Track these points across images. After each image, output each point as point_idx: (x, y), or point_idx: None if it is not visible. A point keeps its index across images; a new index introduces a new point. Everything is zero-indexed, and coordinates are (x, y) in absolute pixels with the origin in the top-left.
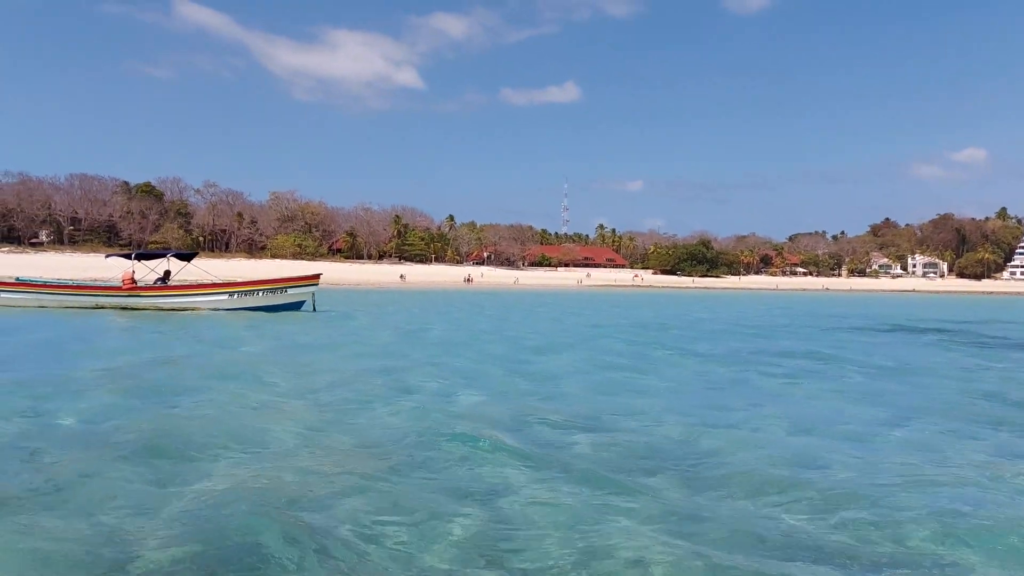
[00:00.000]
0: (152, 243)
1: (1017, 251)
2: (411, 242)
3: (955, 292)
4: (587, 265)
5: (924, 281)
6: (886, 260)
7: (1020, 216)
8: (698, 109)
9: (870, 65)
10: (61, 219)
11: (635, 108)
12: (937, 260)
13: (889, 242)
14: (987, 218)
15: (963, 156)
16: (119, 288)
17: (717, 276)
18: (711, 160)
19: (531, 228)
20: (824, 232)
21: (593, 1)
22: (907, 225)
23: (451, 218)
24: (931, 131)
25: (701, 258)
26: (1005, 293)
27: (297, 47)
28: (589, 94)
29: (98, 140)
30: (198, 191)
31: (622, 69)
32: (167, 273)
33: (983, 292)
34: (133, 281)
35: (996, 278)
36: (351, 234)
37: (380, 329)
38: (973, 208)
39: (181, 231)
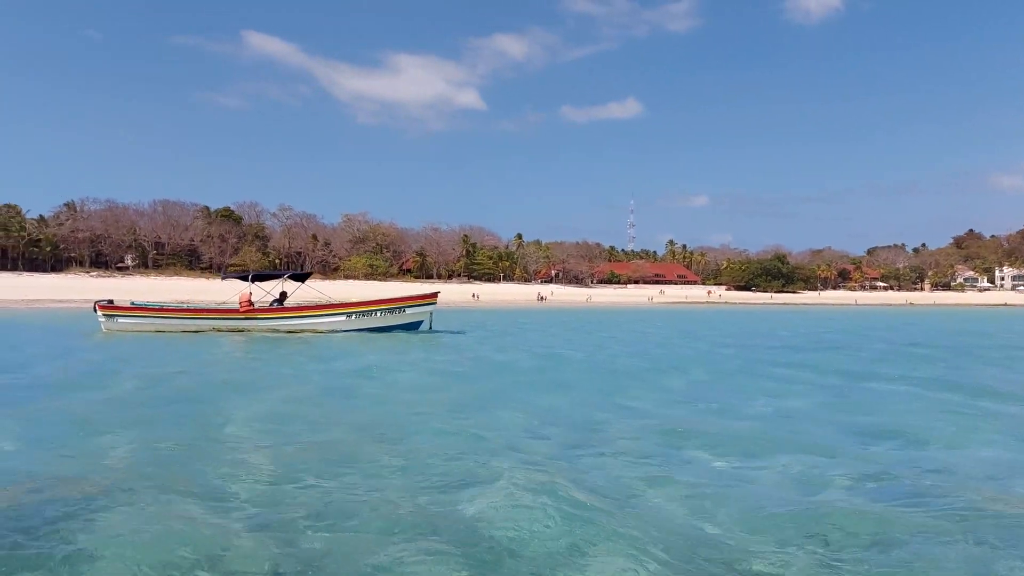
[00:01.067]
0: (231, 266)
1: None
2: (479, 261)
3: None
4: (657, 282)
5: (1014, 294)
6: (971, 273)
7: None
8: (762, 123)
9: (940, 75)
10: (146, 244)
11: (697, 123)
12: None
13: (974, 254)
14: None
15: None
16: (236, 311)
17: (793, 291)
18: (777, 174)
19: (599, 245)
20: (903, 245)
21: (652, 17)
22: (992, 236)
23: (519, 236)
24: (1009, 141)
25: (776, 273)
26: None
27: (360, 72)
28: (650, 110)
29: (175, 167)
30: (274, 215)
31: (683, 84)
32: (283, 295)
33: None
34: (250, 303)
35: None
36: (420, 254)
37: (514, 351)
38: None
39: (259, 254)
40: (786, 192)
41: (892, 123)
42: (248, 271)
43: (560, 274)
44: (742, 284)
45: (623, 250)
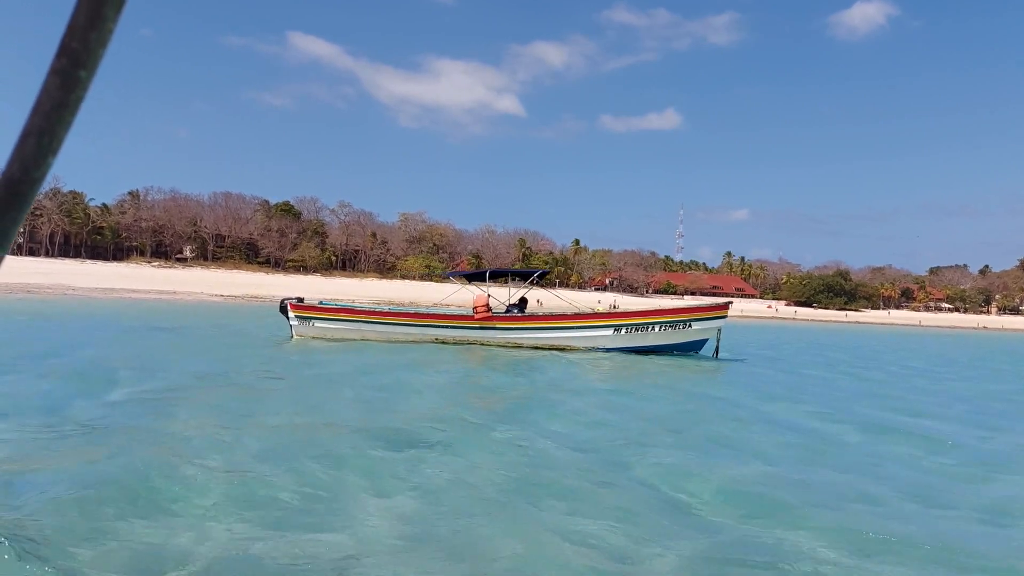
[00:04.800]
0: (290, 261)
1: None
2: (535, 266)
3: None
4: (715, 294)
5: None
6: None
7: None
8: (804, 139)
9: (986, 94)
10: (206, 235)
11: (738, 137)
12: None
13: None
14: None
15: None
16: (468, 318)
17: (855, 309)
18: (820, 191)
19: (654, 254)
20: (966, 266)
21: (694, 30)
22: None
23: (576, 242)
24: None
25: (839, 290)
26: None
27: (402, 76)
28: (690, 121)
29: (231, 163)
30: (332, 211)
31: (724, 97)
32: (523, 300)
33: None
34: (488, 309)
35: None
36: (476, 256)
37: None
38: None
39: (317, 250)
40: (829, 209)
41: (939, 143)
42: (480, 269)
43: (614, 283)
44: (802, 300)
45: (673, 260)
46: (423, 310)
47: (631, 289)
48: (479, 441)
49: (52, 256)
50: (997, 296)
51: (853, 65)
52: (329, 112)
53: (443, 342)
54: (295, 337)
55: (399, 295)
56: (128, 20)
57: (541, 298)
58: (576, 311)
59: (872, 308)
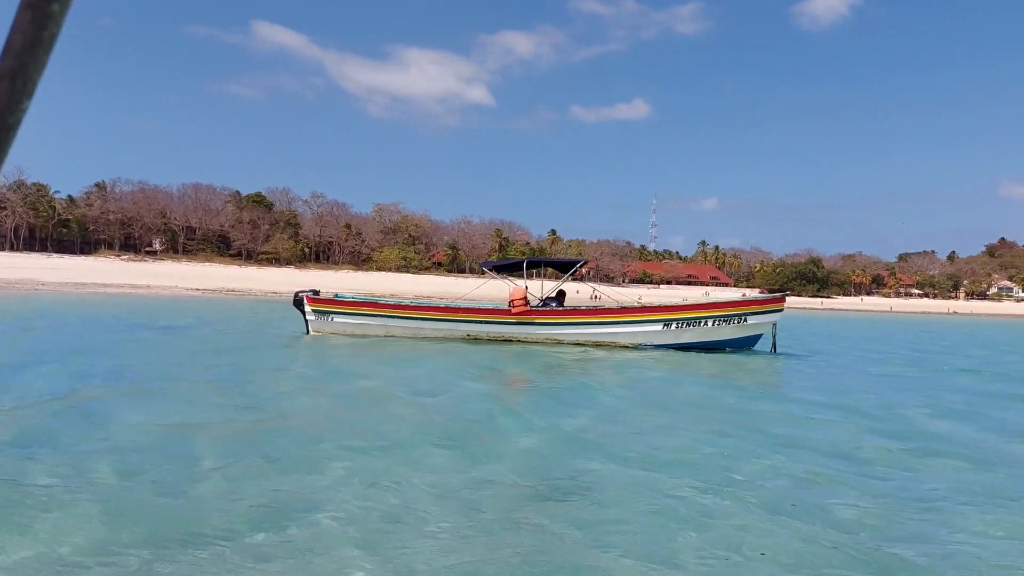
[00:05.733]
0: (262, 253)
1: None
2: (512, 256)
3: None
4: (690, 283)
5: None
6: (1006, 282)
7: None
8: (773, 128)
9: (954, 80)
10: (176, 228)
11: (707, 126)
12: None
13: (1008, 263)
14: None
15: None
16: (504, 312)
17: (828, 296)
18: (791, 179)
19: (629, 244)
20: (933, 252)
21: (661, 19)
22: None
23: (553, 232)
24: (1019, 149)
25: (811, 277)
26: None
27: (370, 65)
28: (659, 111)
29: (200, 154)
30: (305, 201)
31: (692, 87)
32: (561, 293)
33: None
34: (526, 302)
35: None
36: (452, 247)
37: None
38: None
39: (291, 241)
40: (798, 197)
41: (903, 131)
42: (512, 259)
43: (592, 272)
44: (775, 288)
45: (647, 249)
46: (454, 304)
47: (607, 279)
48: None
49: (17, 250)
50: (965, 282)
51: (818, 54)
52: (298, 102)
53: (476, 339)
54: (311, 333)
55: (378, 287)
56: (87, 9)
57: (579, 291)
58: (629, 305)
59: (844, 295)
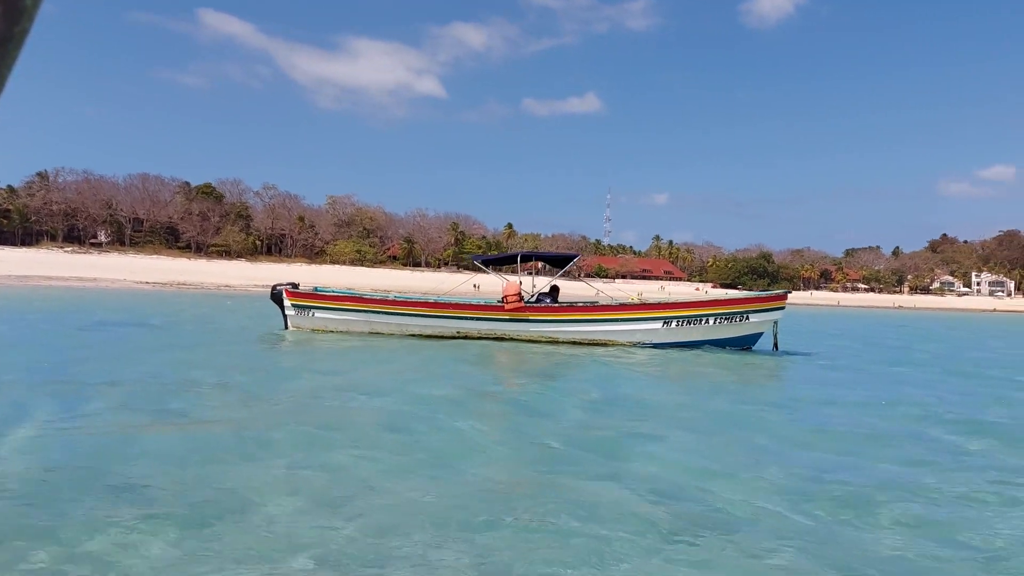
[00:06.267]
0: (213, 246)
1: None
2: (468, 250)
3: None
4: (645, 277)
5: (993, 300)
6: (948, 277)
7: None
8: (723, 124)
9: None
10: (123, 219)
11: (658, 121)
12: (1004, 278)
13: (950, 259)
14: None
15: (991, 173)
16: (498, 308)
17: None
18: (740, 175)
19: (584, 239)
20: (879, 247)
21: (611, 14)
22: (966, 241)
23: (509, 226)
24: (956, 149)
25: (762, 272)
26: None
27: (319, 56)
28: (610, 106)
29: (146, 144)
30: (257, 193)
31: (643, 82)
32: (555, 289)
33: None
34: (520, 298)
35: None
36: (408, 240)
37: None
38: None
39: (242, 234)
40: (747, 193)
41: (848, 128)
42: (505, 252)
43: (546, 267)
44: (728, 282)
45: (601, 243)
46: (443, 299)
47: (565, 273)
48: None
49: None
50: (909, 276)
51: (765, 53)
52: (246, 92)
53: (466, 336)
54: (291, 328)
55: (334, 280)
56: None
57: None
58: (629, 302)
59: (794, 289)
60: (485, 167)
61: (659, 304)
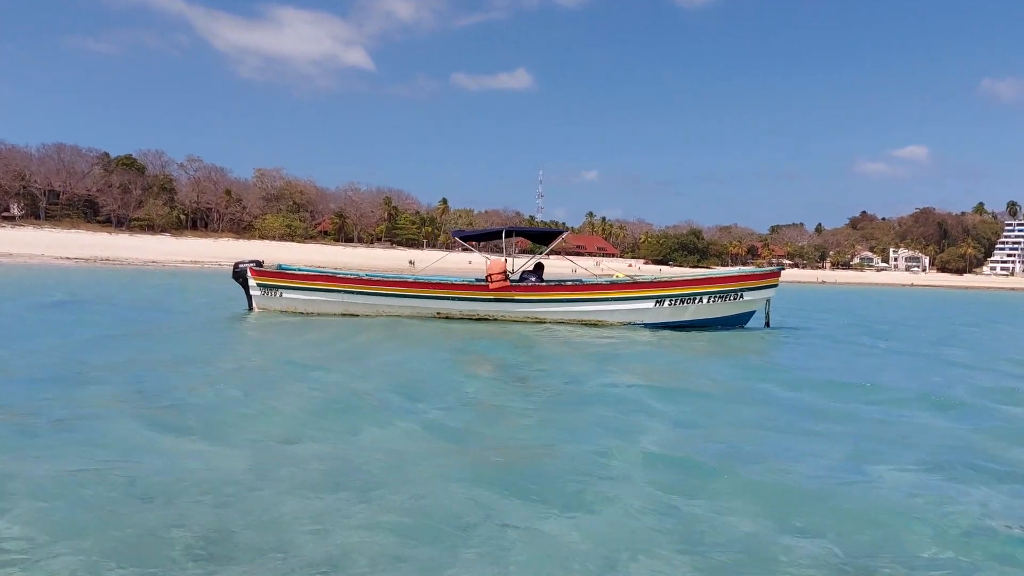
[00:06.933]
0: (135, 220)
1: (997, 246)
2: (402, 225)
3: (957, 287)
4: (578, 253)
5: (908, 275)
6: (867, 253)
7: (996, 211)
8: (651, 103)
9: (816, 62)
10: (37, 191)
11: (588, 99)
12: (919, 254)
13: (869, 235)
14: (964, 213)
15: (905, 153)
16: (482, 288)
17: (708, 266)
18: (668, 154)
19: (519, 215)
20: (802, 224)
21: None
22: (884, 219)
23: (444, 201)
24: (871, 129)
25: (692, 248)
26: (991, 288)
27: (240, 23)
28: (540, 82)
29: (58, 115)
30: (181, 165)
31: (573, 59)
32: (539, 267)
33: (974, 287)
34: (505, 277)
35: (977, 272)
36: (340, 215)
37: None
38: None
39: (165, 207)
40: (675, 172)
41: (769, 109)
42: (488, 228)
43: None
44: (659, 258)
45: (532, 219)
46: (424, 278)
47: (498, 249)
48: None
49: None
50: (831, 252)
51: (691, 34)
52: (162, 61)
53: (447, 316)
54: (256, 311)
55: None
56: None
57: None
58: (620, 280)
59: (723, 265)
60: (417, 142)
61: (651, 282)
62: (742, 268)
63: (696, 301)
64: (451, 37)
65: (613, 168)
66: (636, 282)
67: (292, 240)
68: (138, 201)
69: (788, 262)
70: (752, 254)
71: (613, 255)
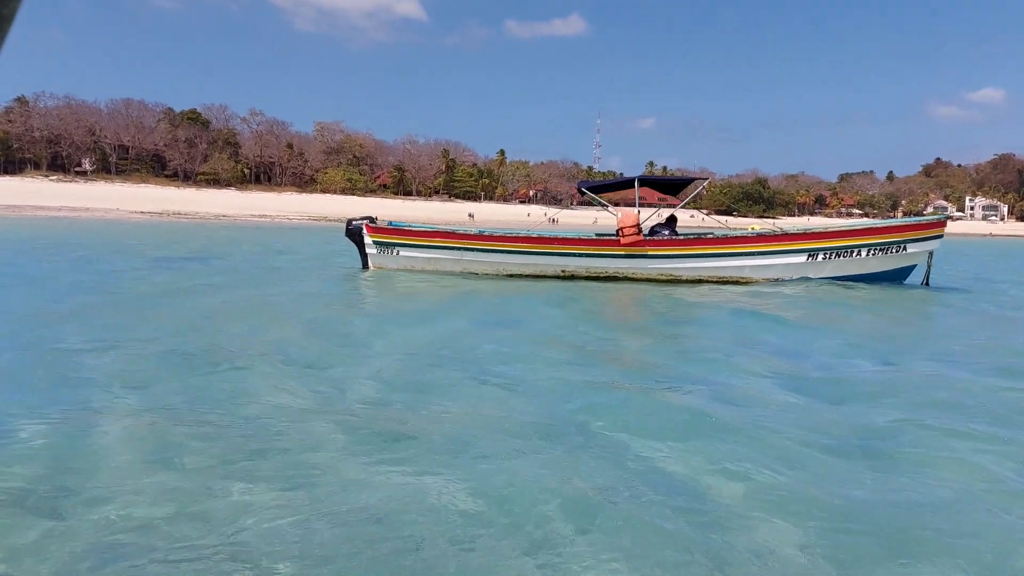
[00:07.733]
0: (201, 174)
1: None
2: (459, 178)
3: None
4: (641, 204)
5: (988, 224)
6: (942, 202)
7: None
8: (708, 47)
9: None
10: (107, 147)
11: (643, 44)
12: (997, 202)
13: (943, 183)
14: None
15: (980, 96)
16: (612, 243)
17: (774, 217)
18: (725, 100)
19: (577, 165)
20: (873, 172)
21: None
22: (960, 165)
23: (502, 153)
24: (948, 70)
25: (757, 197)
26: None
27: None
28: (595, 27)
29: (124, 70)
30: (244, 119)
31: (628, 1)
32: (672, 220)
33: None
34: (638, 231)
35: None
36: (399, 168)
37: None
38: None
39: (231, 161)
40: (734, 118)
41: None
42: (617, 178)
43: (539, 195)
44: (723, 209)
45: (590, 169)
46: (547, 234)
47: (556, 201)
48: None
49: None
50: (903, 201)
51: None
52: (222, 15)
53: (572, 275)
54: (372, 268)
55: (326, 209)
56: None
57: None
58: (761, 233)
59: (789, 215)
60: (471, 93)
61: (803, 234)
62: (904, 218)
63: (854, 254)
64: None
65: (671, 115)
66: (787, 233)
67: (352, 194)
68: (204, 155)
69: (858, 212)
70: (820, 203)
71: (674, 205)
